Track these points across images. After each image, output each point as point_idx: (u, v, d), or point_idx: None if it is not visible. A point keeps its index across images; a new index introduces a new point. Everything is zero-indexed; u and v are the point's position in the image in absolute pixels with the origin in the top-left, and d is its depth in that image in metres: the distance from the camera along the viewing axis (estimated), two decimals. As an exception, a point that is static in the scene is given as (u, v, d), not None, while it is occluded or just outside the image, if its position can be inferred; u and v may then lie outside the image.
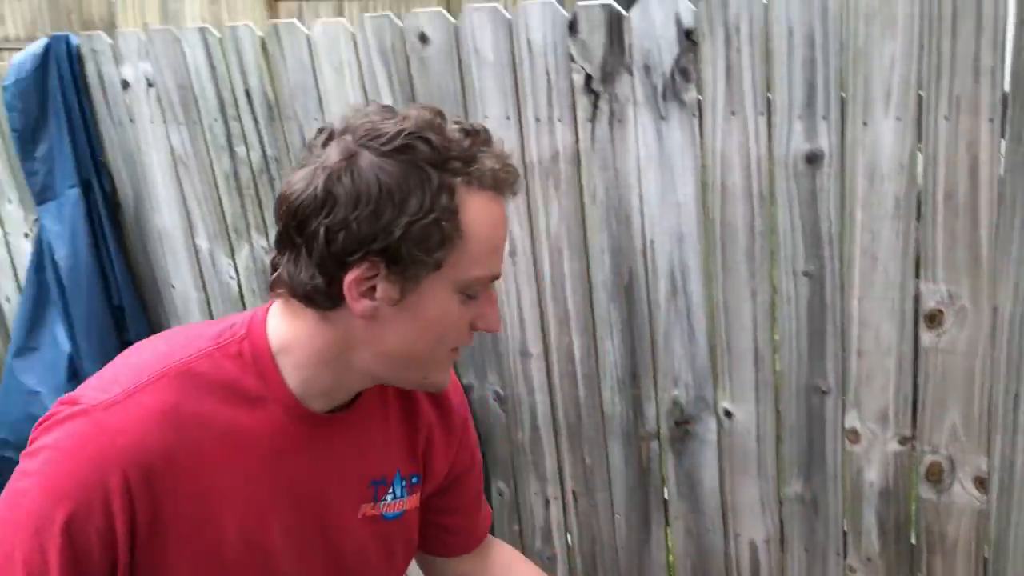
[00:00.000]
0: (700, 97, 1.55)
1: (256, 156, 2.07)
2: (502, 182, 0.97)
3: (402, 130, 0.92)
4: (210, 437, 0.98)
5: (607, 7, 1.58)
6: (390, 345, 0.99)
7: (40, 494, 0.94)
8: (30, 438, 0.97)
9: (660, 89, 1.57)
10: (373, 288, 0.95)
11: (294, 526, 1.06)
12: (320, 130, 0.97)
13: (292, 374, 1.01)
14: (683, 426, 1.76)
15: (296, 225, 0.94)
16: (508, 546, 1.38)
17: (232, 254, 2.22)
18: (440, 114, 0.96)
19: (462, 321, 1.00)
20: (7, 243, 2.66)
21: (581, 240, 1.75)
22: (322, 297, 0.96)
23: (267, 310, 1.04)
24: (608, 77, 1.61)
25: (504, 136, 1.73)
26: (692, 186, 1.60)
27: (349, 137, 0.94)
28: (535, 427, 1.94)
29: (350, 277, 0.94)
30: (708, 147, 1.57)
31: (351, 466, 1.09)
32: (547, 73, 1.67)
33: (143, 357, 1.02)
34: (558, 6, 1.64)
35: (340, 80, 1.89)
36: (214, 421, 0.99)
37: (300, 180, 0.94)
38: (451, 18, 1.74)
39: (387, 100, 1.85)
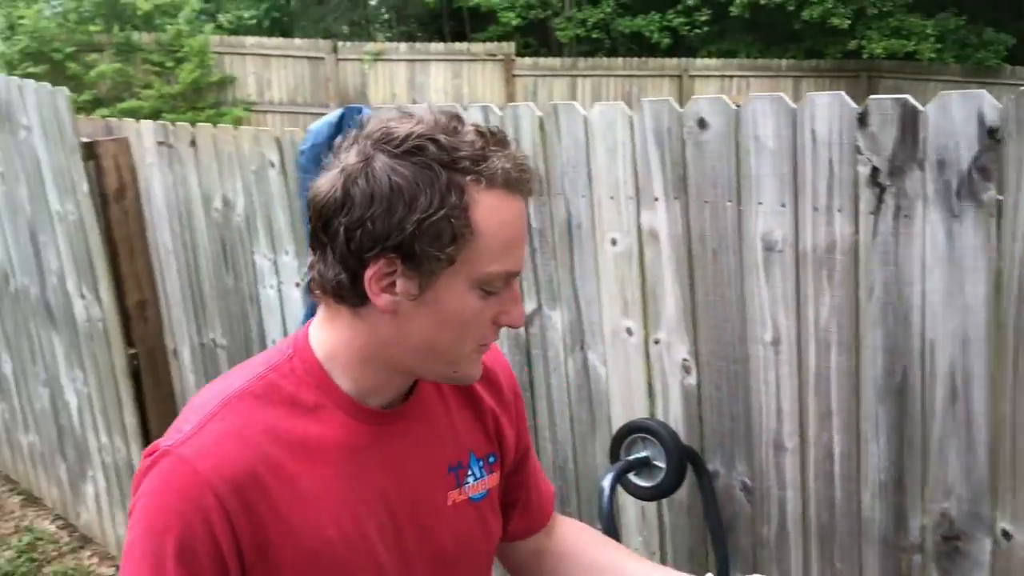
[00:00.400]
0: (1000, 197, 1.48)
1: (521, 227, 2.15)
2: (514, 181, 1.00)
3: (412, 132, 0.97)
4: (284, 450, 1.03)
5: (902, 101, 1.55)
6: (415, 339, 1.03)
7: (145, 537, 1.00)
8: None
9: (954, 186, 1.51)
10: (393, 284, 1.00)
11: (389, 524, 1.09)
12: (344, 138, 1.03)
13: (343, 378, 1.07)
14: (952, 541, 1.64)
15: (322, 225, 1.00)
16: (574, 520, 1.40)
17: (487, 318, 2.30)
18: (457, 118, 1.00)
19: (483, 316, 1.03)
20: (280, 290, 2.89)
21: (852, 335, 1.69)
22: (348, 293, 1.01)
23: (307, 329, 1.10)
24: (897, 171, 1.57)
25: (777, 223, 1.72)
26: (984, 288, 1.52)
27: (366, 142, 0.99)
28: (783, 523, 1.88)
29: (369, 273, 0.99)
30: (1006, 249, 1.49)
31: (425, 456, 1.13)
32: (830, 163, 1.65)
33: (205, 396, 1.08)
34: (847, 98, 1.62)
35: (612, 160, 1.95)
36: (284, 434, 1.03)
37: (324, 183, 1.00)
38: (732, 105, 1.76)
39: (657, 180, 1.88)
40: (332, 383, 1.07)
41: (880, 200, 1.60)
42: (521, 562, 1.35)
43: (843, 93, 1.63)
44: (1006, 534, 1.58)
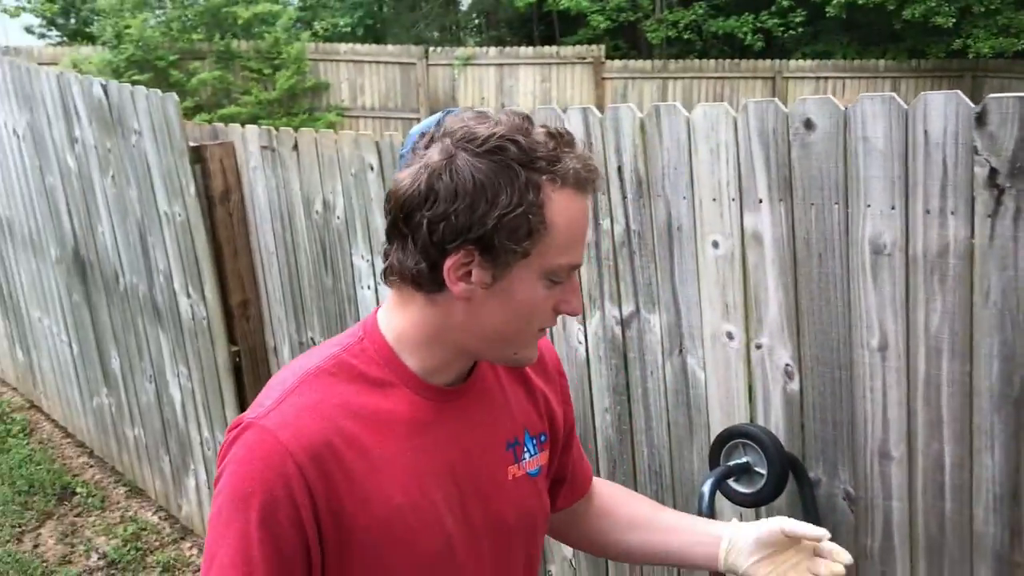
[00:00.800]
0: None
1: (619, 229, 2.15)
2: (583, 180, 1.09)
3: (494, 133, 1.04)
4: (358, 422, 1.10)
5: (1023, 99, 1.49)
6: (485, 324, 1.11)
7: (231, 502, 1.07)
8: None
9: (1080, 188, 1.45)
10: (469, 273, 1.07)
11: (455, 495, 1.16)
12: (422, 135, 1.10)
13: (410, 358, 1.15)
14: (1072, 559, 1.58)
15: (403, 217, 1.07)
16: (604, 480, 1.52)
17: (584, 321, 2.30)
18: (528, 119, 1.08)
19: (547, 304, 1.12)
20: (376, 290, 2.94)
21: (966, 342, 1.63)
22: (426, 280, 1.09)
23: (375, 315, 1.18)
24: (1018, 172, 1.51)
25: (886, 226, 1.68)
26: (1111, 295, 1.45)
27: (448, 140, 1.05)
28: (888, 535, 1.82)
29: (449, 263, 1.06)
30: None
31: (486, 432, 1.21)
32: (944, 164, 1.60)
33: (284, 375, 1.16)
34: (963, 97, 1.57)
35: (714, 161, 1.92)
36: (357, 408, 1.11)
37: (406, 177, 1.07)
38: (840, 105, 1.72)
39: (762, 182, 1.85)
40: (400, 362, 1.15)
41: (999, 202, 1.55)
42: (564, 525, 1.47)
43: (959, 92, 1.58)
44: None
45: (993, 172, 1.54)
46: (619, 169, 2.10)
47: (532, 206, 1.05)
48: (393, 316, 1.16)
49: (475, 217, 1.04)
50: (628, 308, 2.18)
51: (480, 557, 1.19)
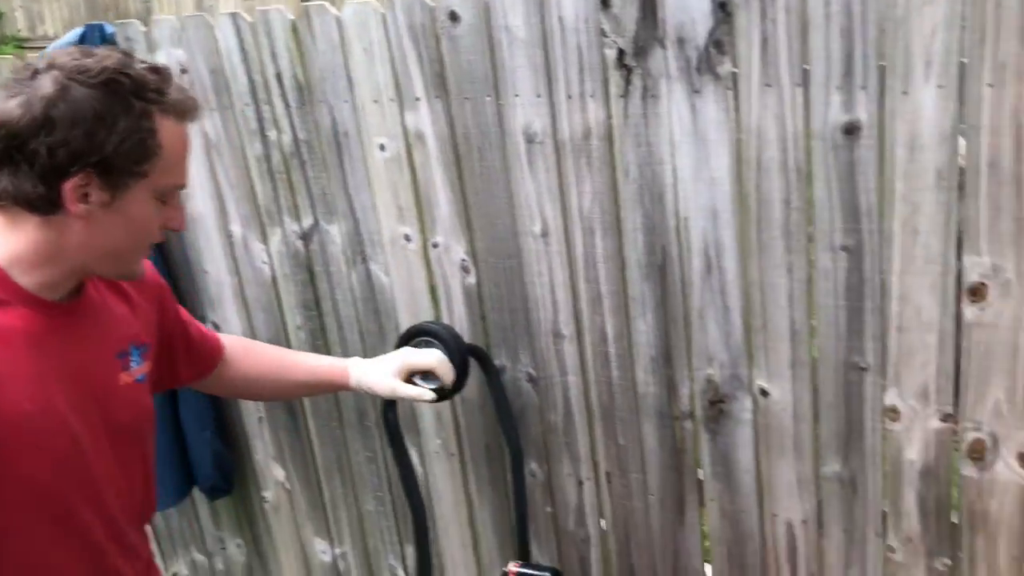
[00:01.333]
0: (735, 70, 1.53)
1: (287, 140, 2.07)
2: (186, 110, 1.26)
3: (106, 67, 1.16)
4: None
5: (639, -20, 1.56)
6: (104, 242, 1.24)
7: None
8: None
9: (694, 62, 1.55)
10: (87, 195, 1.19)
11: (77, 400, 1.28)
12: (25, 66, 1.19)
13: (24, 276, 1.23)
14: (717, 405, 1.74)
15: (17, 145, 1.15)
16: (243, 342, 1.86)
17: (265, 239, 2.22)
18: (129, 55, 1.22)
19: (156, 222, 1.28)
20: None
21: (614, 219, 1.73)
22: (43, 203, 1.18)
23: None
24: (641, 51, 1.59)
25: (536, 114, 1.72)
26: (727, 160, 1.58)
27: (57, 72, 1.15)
28: (568, 408, 1.93)
29: (68, 185, 1.17)
30: (743, 121, 1.54)
31: (98, 343, 1.34)
32: (579, 49, 1.65)
33: None
34: (590, -19, 1.62)
35: (370, 61, 1.88)
36: None
37: (17, 107, 1.14)
38: (482, -4, 1.73)
39: (417, 80, 1.84)
40: (13, 281, 1.22)
41: (628, 82, 1.62)
42: (211, 386, 1.76)
43: (586, -23, 1.63)
44: (763, 392, 1.68)
45: (621, 53, 1.61)
46: (278, 76, 2.01)
47: (148, 132, 1.18)
48: (2, 238, 1.22)
49: (95, 143, 1.15)
50: (307, 221, 2.13)
51: (104, 454, 1.33)
